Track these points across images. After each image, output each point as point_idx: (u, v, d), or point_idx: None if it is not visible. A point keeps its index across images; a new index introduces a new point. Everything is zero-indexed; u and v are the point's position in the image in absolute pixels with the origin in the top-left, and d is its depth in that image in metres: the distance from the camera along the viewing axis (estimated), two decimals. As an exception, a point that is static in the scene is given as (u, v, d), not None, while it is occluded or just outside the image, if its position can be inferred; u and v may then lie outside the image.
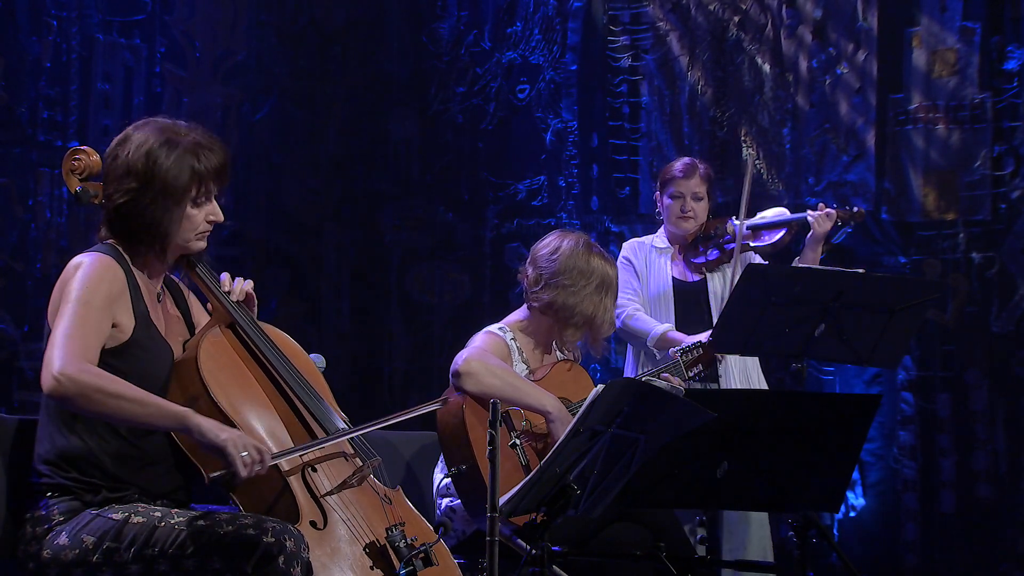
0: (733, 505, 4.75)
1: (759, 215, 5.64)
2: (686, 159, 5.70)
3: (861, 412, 3.95)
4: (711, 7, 7.04)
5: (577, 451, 3.40)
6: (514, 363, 4.54)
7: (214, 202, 3.44)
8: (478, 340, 4.53)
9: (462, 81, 7.51)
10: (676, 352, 4.92)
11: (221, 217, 3.45)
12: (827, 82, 6.79)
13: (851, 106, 6.74)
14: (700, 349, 4.92)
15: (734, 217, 5.53)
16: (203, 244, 3.47)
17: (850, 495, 6.54)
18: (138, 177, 3.34)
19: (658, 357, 5.43)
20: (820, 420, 3.89)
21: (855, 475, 6.48)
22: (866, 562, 6.42)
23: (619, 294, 5.39)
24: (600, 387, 3.35)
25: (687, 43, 7.08)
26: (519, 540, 4.23)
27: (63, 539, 3.26)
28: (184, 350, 3.46)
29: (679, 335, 5.33)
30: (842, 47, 6.77)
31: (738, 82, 6.97)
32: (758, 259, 5.57)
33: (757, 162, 6.76)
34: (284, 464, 3.36)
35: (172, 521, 3.23)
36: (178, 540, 3.19)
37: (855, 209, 5.62)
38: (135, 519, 3.24)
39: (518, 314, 4.69)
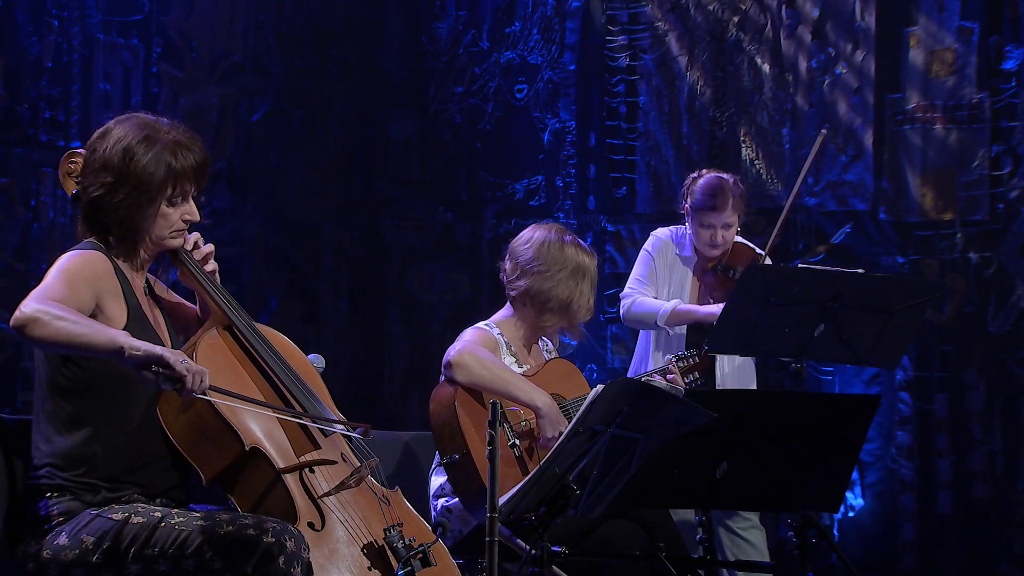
0: (733, 505, 4.75)
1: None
2: (715, 184, 5.30)
3: (860, 412, 3.96)
4: (710, 7, 7.03)
5: (577, 451, 3.40)
6: (503, 356, 4.61)
7: (191, 201, 3.44)
8: (468, 335, 4.62)
9: (460, 81, 7.51)
10: (671, 359, 4.90)
11: (197, 217, 3.46)
12: (826, 82, 6.79)
13: (850, 106, 6.73)
14: (695, 357, 4.89)
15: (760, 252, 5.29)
16: (179, 242, 3.46)
17: (849, 495, 6.54)
18: (113, 171, 3.35)
19: (671, 333, 5.29)
20: (819, 420, 3.90)
21: (854, 475, 6.47)
22: (865, 562, 6.42)
23: (634, 285, 5.42)
24: (600, 387, 3.36)
25: (686, 43, 7.08)
26: (519, 540, 4.24)
27: (63, 539, 3.26)
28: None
29: (691, 306, 5.19)
30: (841, 47, 6.77)
31: (737, 82, 6.97)
32: None
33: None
34: (280, 463, 3.35)
35: (172, 521, 3.23)
36: (178, 540, 3.19)
37: None
38: (135, 519, 3.24)
39: (503, 312, 4.77)
